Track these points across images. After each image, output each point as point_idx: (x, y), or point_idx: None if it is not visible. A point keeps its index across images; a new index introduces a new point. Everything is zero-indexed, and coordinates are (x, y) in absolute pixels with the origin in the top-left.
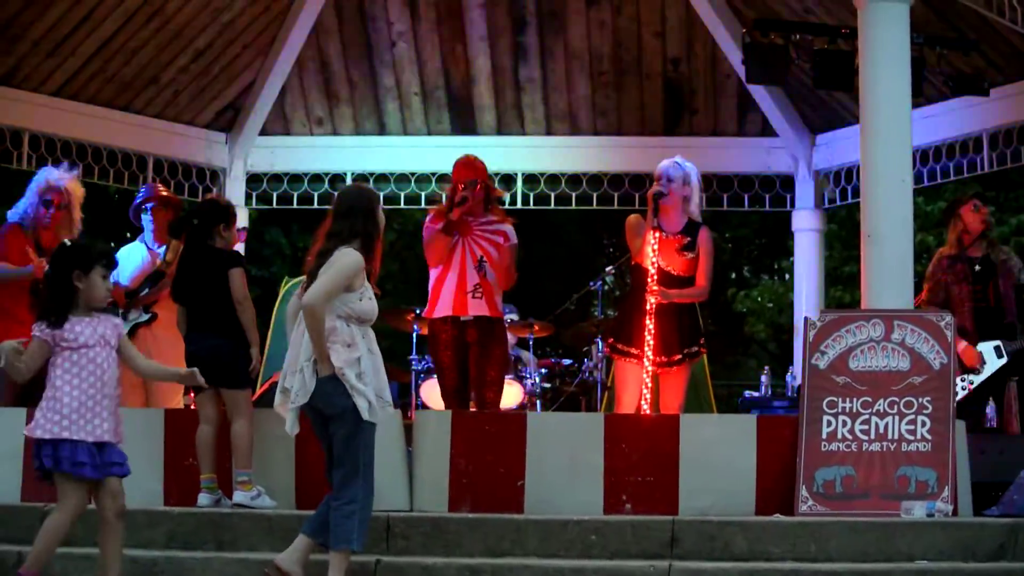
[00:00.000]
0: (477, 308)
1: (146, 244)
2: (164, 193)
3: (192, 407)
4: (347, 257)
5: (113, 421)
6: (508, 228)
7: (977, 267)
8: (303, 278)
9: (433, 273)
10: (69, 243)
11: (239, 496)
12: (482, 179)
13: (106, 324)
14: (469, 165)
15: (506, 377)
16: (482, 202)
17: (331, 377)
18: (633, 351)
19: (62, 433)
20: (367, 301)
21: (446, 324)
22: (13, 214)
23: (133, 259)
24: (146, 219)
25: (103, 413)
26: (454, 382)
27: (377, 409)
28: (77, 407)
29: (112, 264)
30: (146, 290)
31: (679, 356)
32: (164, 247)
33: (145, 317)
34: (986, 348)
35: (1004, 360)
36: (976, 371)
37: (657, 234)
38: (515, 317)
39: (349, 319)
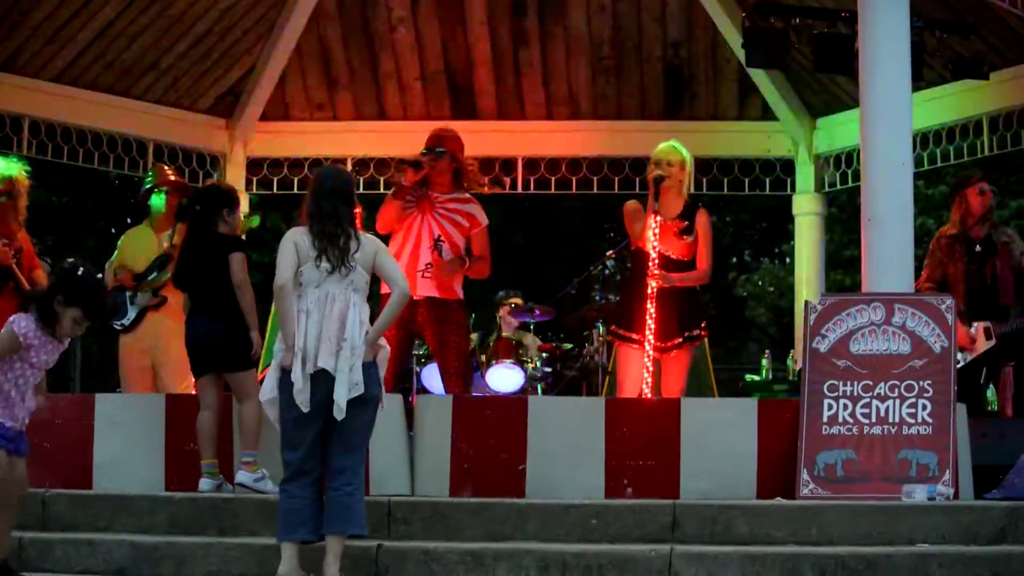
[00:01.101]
0: (426, 288)
1: (152, 229)
2: (175, 178)
3: (193, 392)
4: (382, 243)
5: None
6: (475, 209)
7: (977, 247)
8: None
9: (391, 249)
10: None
11: (242, 476)
12: (451, 150)
13: (55, 354)
14: (437, 133)
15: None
16: (450, 176)
17: (372, 362)
18: (634, 336)
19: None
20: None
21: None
22: None
23: (140, 242)
24: (158, 202)
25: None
26: (394, 364)
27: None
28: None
29: (94, 317)
30: (154, 274)
31: (679, 340)
32: (170, 230)
33: (154, 301)
34: (978, 328)
35: (992, 342)
36: (967, 351)
37: (657, 218)
38: (519, 301)
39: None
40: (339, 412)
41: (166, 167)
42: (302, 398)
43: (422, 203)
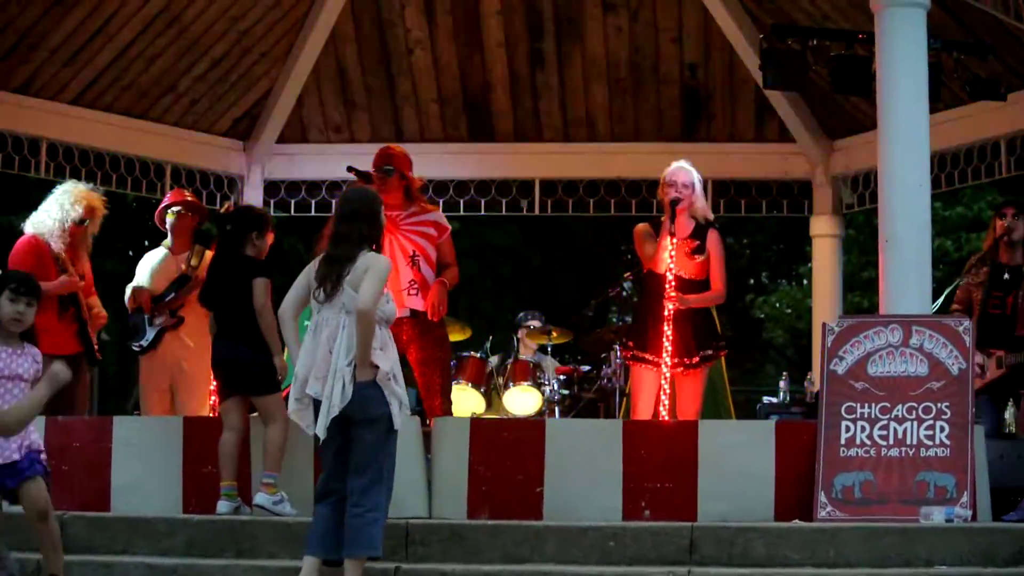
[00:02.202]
0: (413, 303)
1: (169, 250)
2: (191, 199)
3: (214, 414)
4: (380, 261)
5: (17, 440)
6: (437, 216)
7: (1006, 275)
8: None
9: None
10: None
11: (261, 498)
12: (399, 168)
13: (25, 358)
14: (384, 152)
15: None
16: (401, 194)
17: (370, 383)
18: (648, 357)
19: None
20: (391, 304)
21: None
22: (34, 225)
23: (158, 264)
24: (170, 223)
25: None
26: None
27: (401, 416)
28: None
29: (29, 291)
30: (172, 295)
31: (695, 360)
32: (187, 251)
33: (171, 321)
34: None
35: (1002, 371)
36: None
37: (674, 240)
38: (538, 324)
39: (380, 322)
40: (321, 431)
41: (184, 191)
42: (304, 423)
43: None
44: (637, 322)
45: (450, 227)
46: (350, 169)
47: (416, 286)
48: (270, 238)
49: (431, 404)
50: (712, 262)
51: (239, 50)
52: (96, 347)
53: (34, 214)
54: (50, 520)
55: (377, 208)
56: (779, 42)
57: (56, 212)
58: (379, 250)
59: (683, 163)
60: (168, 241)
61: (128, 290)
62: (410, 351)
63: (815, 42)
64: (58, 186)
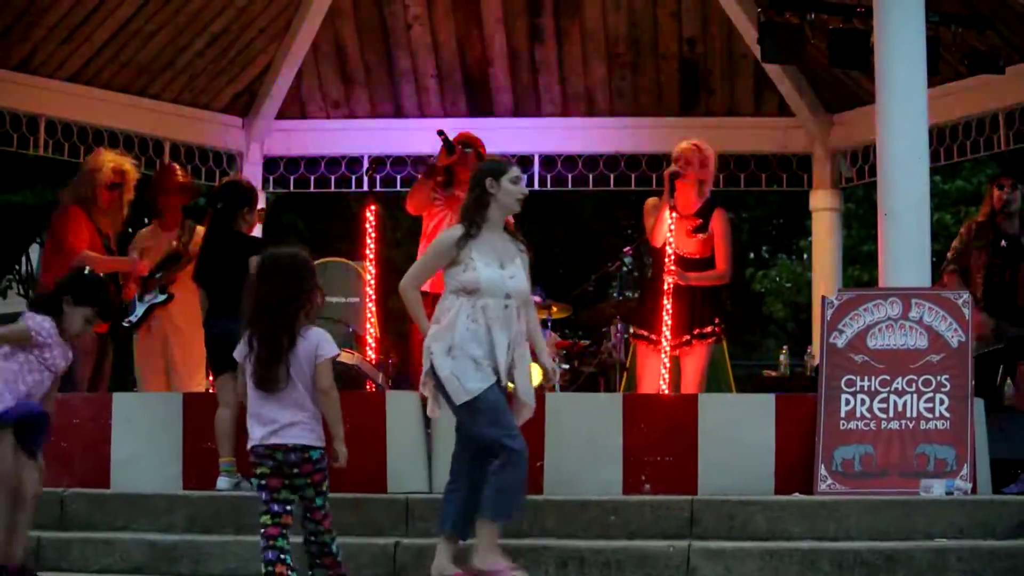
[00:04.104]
0: None
1: (161, 225)
2: (182, 179)
3: (211, 391)
4: (442, 233)
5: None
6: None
7: (1003, 243)
8: (323, 260)
9: (421, 249)
10: (80, 266)
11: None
12: (477, 148)
13: (63, 359)
14: (466, 134)
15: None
16: None
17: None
18: (649, 335)
19: None
20: (470, 272)
21: (428, 299)
22: (71, 197)
23: (149, 242)
24: (163, 201)
25: None
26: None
27: (477, 376)
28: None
29: (105, 315)
30: (162, 272)
31: (690, 337)
32: (178, 228)
33: (161, 298)
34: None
35: (999, 345)
36: (985, 339)
37: (673, 215)
38: (537, 299)
39: (458, 292)
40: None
41: (176, 168)
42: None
43: (451, 202)
44: (641, 299)
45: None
46: (440, 133)
47: None
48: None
49: None
50: (717, 241)
51: (238, 26)
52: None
53: (66, 187)
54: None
55: (484, 179)
56: (777, 16)
57: (87, 179)
58: (479, 219)
59: (696, 141)
60: (160, 219)
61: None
62: None
63: (813, 15)
64: (88, 155)
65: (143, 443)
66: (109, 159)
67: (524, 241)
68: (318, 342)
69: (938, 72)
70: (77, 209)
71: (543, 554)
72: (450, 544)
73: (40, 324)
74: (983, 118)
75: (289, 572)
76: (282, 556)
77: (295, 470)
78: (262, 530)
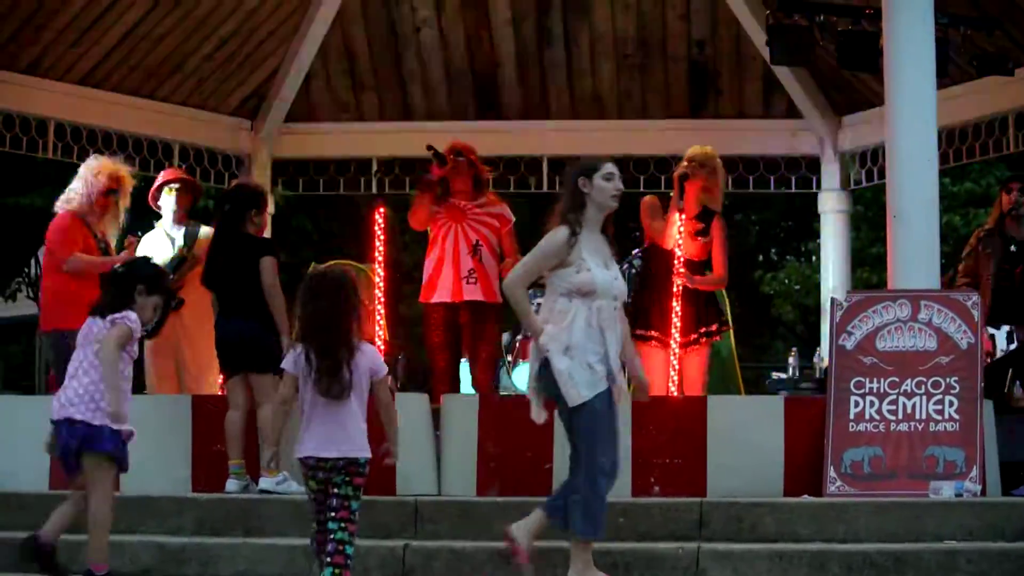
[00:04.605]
0: (471, 293)
1: (165, 230)
2: (186, 177)
3: (221, 392)
4: (549, 235)
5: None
6: (504, 209)
7: (1013, 248)
8: (332, 263)
9: (428, 259)
10: (146, 258)
11: (264, 482)
12: (469, 156)
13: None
14: (456, 143)
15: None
16: (470, 181)
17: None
18: (651, 334)
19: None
20: (585, 274)
21: (439, 307)
22: (65, 203)
23: (154, 245)
24: (168, 200)
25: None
26: (444, 363)
27: (590, 382)
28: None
29: (171, 300)
30: (170, 276)
31: (694, 336)
32: (183, 230)
33: (172, 303)
34: (999, 334)
35: (1013, 346)
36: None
37: (682, 216)
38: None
39: (571, 294)
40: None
41: (178, 169)
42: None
43: (452, 212)
44: (639, 298)
45: (513, 219)
46: (429, 148)
47: (475, 276)
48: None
49: (473, 373)
50: (715, 246)
51: (246, 29)
52: None
53: (63, 193)
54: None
55: (575, 180)
56: (786, 18)
57: (81, 186)
58: (577, 220)
59: (708, 148)
60: (165, 221)
61: None
62: (464, 332)
63: (822, 17)
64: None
65: (152, 445)
66: (106, 166)
67: (614, 243)
68: (374, 357)
69: (947, 74)
70: (70, 214)
71: (552, 556)
72: (544, 522)
73: (136, 320)
74: (992, 120)
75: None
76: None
77: (342, 476)
78: (312, 535)
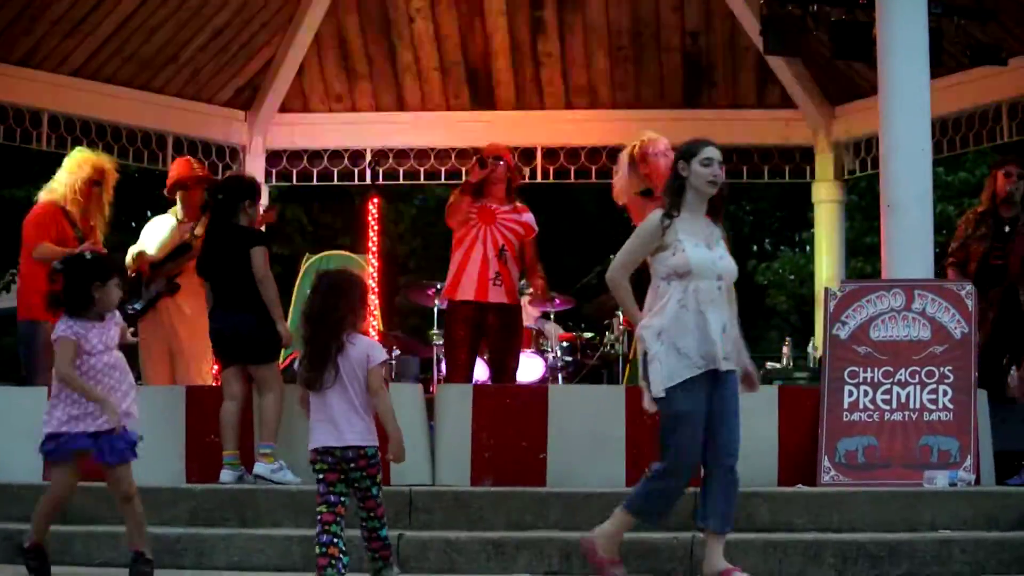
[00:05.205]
0: (497, 296)
1: (177, 217)
2: (202, 172)
3: (217, 384)
4: (644, 220)
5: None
6: (530, 218)
7: (1006, 227)
8: (326, 254)
9: (456, 256)
10: (89, 255)
11: (260, 468)
12: (508, 162)
13: (110, 326)
14: (495, 146)
15: (527, 351)
16: (505, 186)
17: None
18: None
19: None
20: (680, 255)
21: (467, 304)
22: (47, 192)
23: (162, 231)
24: (181, 194)
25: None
26: (465, 356)
27: (677, 369)
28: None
29: (125, 275)
30: (170, 262)
31: None
32: (195, 223)
33: (168, 288)
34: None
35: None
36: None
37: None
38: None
39: (669, 277)
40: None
41: (193, 162)
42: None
43: (484, 214)
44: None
45: (537, 230)
46: (476, 156)
47: (500, 279)
48: (264, 211)
49: (506, 363)
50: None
51: (240, 20)
52: None
53: (47, 183)
54: (135, 501)
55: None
56: (779, 8)
57: (65, 177)
58: (677, 203)
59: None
60: (178, 212)
61: (129, 255)
62: (489, 335)
63: (815, 8)
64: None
65: (146, 436)
66: (90, 157)
67: (724, 226)
68: (368, 349)
69: (941, 64)
70: (49, 205)
71: (546, 546)
72: (718, 539)
73: (65, 328)
74: (986, 110)
75: (340, 555)
76: (335, 540)
77: (351, 465)
78: (318, 517)
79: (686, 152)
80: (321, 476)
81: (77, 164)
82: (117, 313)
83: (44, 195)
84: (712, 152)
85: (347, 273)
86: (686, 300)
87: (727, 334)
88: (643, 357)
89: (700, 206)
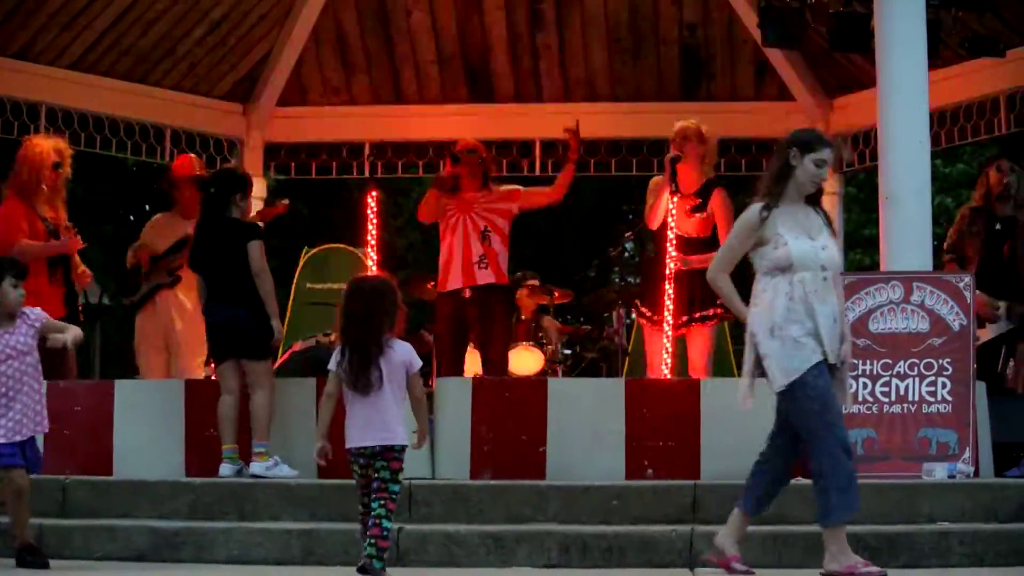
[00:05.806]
0: (483, 277)
1: (181, 214)
2: (199, 172)
3: (213, 377)
4: (742, 214)
5: (19, 416)
6: (510, 189)
7: (998, 225)
8: (325, 247)
9: (441, 249)
10: None
11: (256, 467)
12: (480, 154)
13: (17, 333)
14: (469, 141)
15: (525, 343)
16: (479, 181)
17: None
18: (652, 316)
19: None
20: (781, 249)
21: (448, 298)
22: (14, 187)
23: (165, 226)
24: (180, 192)
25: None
26: (449, 353)
27: (798, 358)
28: None
29: (22, 273)
30: (169, 256)
31: (688, 319)
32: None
33: (166, 280)
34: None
35: (1012, 325)
36: (993, 320)
37: (674, 198)
38: (536, 283)
39: (772, 271)
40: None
41: (193, 159)
42: None
43: (461, 205)
44: (644, 280)
45: (521, 188)
46: (448, 152)
47: (486, 260)
48: (276, 204)
49: (487, 353)
50: (719, 221)
51: (238, 13)
52: (80, 308)
53: (9, 177)
54: (24, 501)
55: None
56: (777, 0)
57: (30, 165)
58: (778, 196)
59: (689, 119)
60: (178, 207)
61: (130, 249)
62: (473, 328)
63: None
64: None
65: (146, 430)
66: (46, 141)
67: (826, 213)
68: (408, 354)
69: (939, 55)
70: (15, 200)
71: (546, 539)
72: (743, 520)
73: None
74: (984, 101)
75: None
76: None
77: (378, 460)
78: (360, 516)
79: (803, 143)
80: (358, 476)
81: (38, 155)
82: (38, 313)
83: (11, 188)
84: (828, 155)
85: (385, 279)
86: (793, 292)
87: (839, 325)
88: (751, 352)
89: (798, 199)
